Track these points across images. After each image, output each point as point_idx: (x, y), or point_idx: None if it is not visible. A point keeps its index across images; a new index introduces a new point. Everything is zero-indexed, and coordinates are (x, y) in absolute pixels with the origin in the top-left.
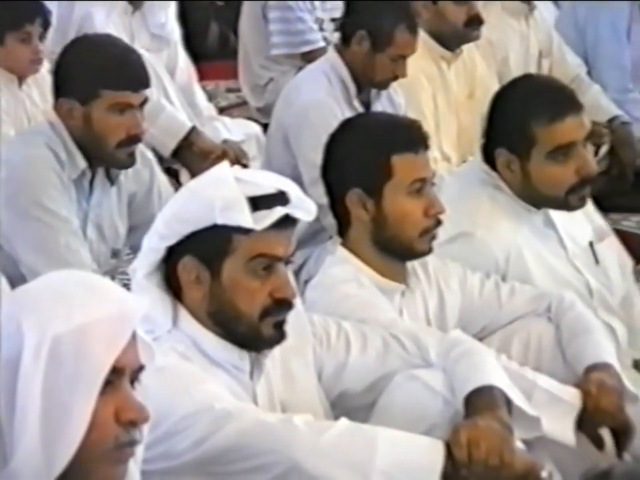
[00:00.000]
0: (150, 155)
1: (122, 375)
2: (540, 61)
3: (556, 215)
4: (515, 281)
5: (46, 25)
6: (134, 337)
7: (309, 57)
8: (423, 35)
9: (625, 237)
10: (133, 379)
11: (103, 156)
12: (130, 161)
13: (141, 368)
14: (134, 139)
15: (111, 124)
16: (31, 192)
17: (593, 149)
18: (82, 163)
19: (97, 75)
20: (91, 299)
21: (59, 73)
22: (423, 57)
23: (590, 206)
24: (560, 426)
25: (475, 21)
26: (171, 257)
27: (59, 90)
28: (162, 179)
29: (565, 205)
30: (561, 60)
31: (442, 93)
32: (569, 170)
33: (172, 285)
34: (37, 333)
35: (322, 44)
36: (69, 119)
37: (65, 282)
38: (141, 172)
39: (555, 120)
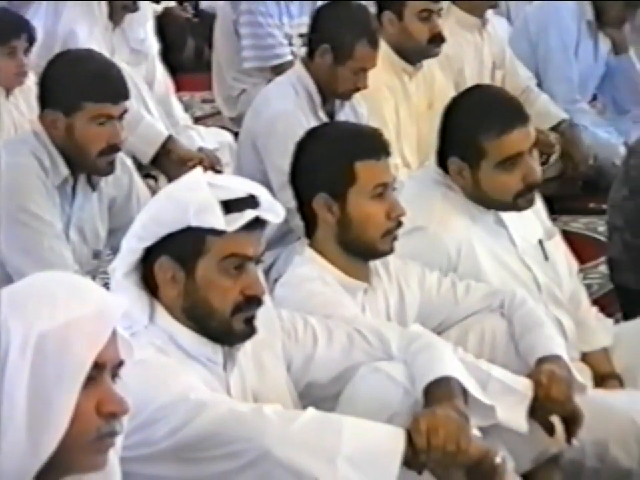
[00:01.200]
0: (129, 162)
1: (103, 369)
2: (494, 72)
3: (506, 213)
4: (467, 274)
5: (31, 40)
6: (114, 334)
7: (279, 70)
8: (386, 50)
9: (573, 238)
10: (114, 374)
11: (84, 164)
12: (110, 169)
13: (121, 363)
14: (114, 148)
15: (93, 134)
16: (16, 198)
17: (542, 157)
18: (65, 170)
19: (80, 88)
20: (74, 299)
21: (43, 86)
22: (386, 70)
23: (541, 206)
24: (513, 414)
25: (437, 39)
26: (148, 257)
27: (44, 101)
28: (140, 184)
29: (513, 207)
30: (513, 72)
31: (403, 104)
32: (516, 177)
33: (149, 283)
34: (23, 331)
35: (290, 57)
36: (52, 128)
37: (49, 282)
38: (121, 178)
39: (503, 133)
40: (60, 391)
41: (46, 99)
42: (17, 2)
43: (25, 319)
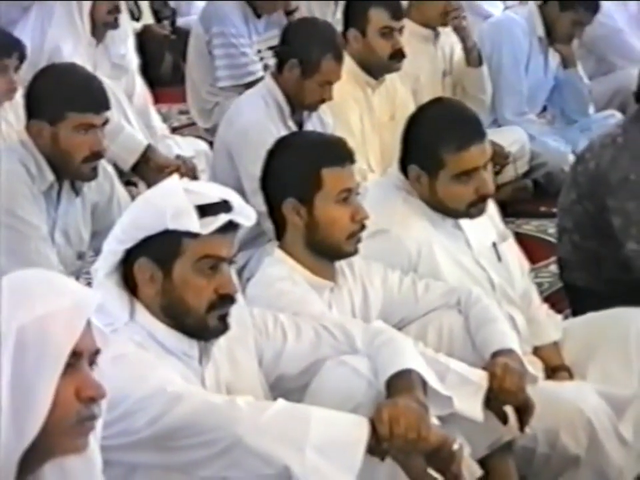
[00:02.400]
0: (110, 169)
1: (80, 357)
2: (444, 79)
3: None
4: (427, 274)
5: (22, 58)
6: (89, 324)
7: (252, 86)
8: (351, 64)
9: (525, 239)
10: (91, 361)
11: (69, 170)
12: (93, 175)
13: (97, 351)
14: (97, 155)
15: (76, 142)
16: (5, 203)
17: (495, 167)
18: (50, 177)
19: (64, 99)
20: (50, 293)
21: (30, 98)
22: (351, 83)
23: (495, 212)
24: (469, 404)
25: (398, 55)
26: (128, 258)
27: (30, 112)
28: (121, 190)
29: (466, 215)
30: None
31: (367, 115)
32: (470, 189)
33: (129, 283)
34: (4, 325)
35: (262, 74)
36: (38, 137)
37: (27, 279)
38: (103, 184)
39: (461, 149)
40: (40, 378)
41: (32, 109)
42: (6, 18)
43: (5, 313)
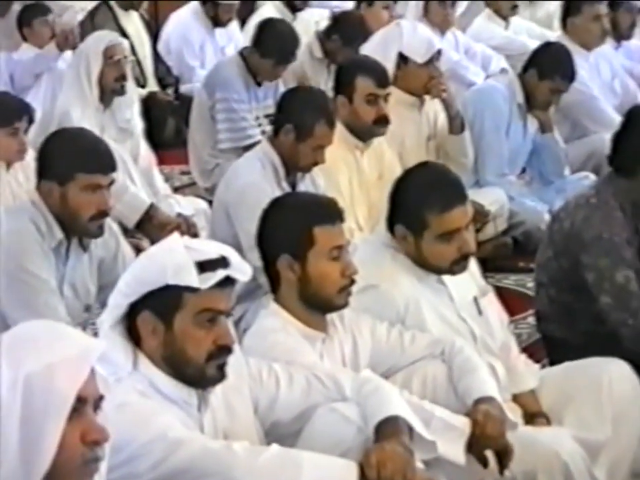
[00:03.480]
0: (115, 227)
1: (85, 403)
2: (428, 143)
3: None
4: (413, 326)
5: (31, 120)
6: (93, 372)
7: (250, 148)
8: (341, 128)
9: (505, 293)
10: (96, 407)
11: (76, 228)
12: (99, 232)
13: (101, 397)
14: (103, 213)
15: (84, 201)
16: (16, 258)
17: (476, 224)
18: (59, 234)
19: (73, 161)
20: (56, 342)
21: (41, 159)
22: (340, 146)
23: (475, 268)
24: (452, 448)
25: (382, 120)
26: (132, 311)
27: (41, 173)
28: (125, 246)
29: (449, 272)
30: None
31: (356, 176)
32: (453, 248)
33: (133, 334)
34: (12, 373)
35: (260, 137)
36: (49, 197)
37: (33, 330)
38: (108, 241)
39: (444, 211)
40: (48, 423)
41: (43, 171)
42: (19, 85)
43: (13, 362)
